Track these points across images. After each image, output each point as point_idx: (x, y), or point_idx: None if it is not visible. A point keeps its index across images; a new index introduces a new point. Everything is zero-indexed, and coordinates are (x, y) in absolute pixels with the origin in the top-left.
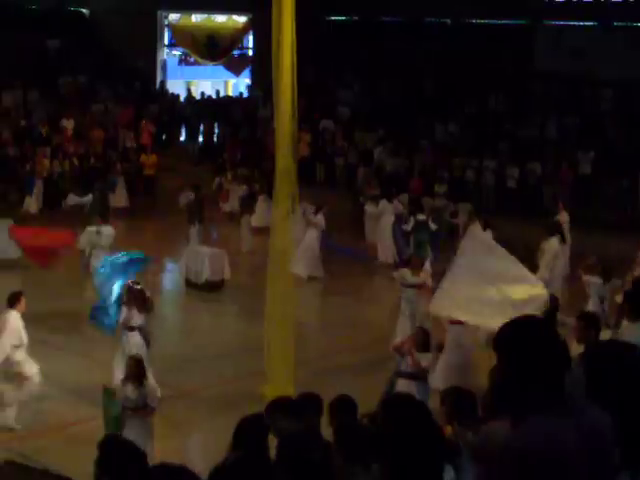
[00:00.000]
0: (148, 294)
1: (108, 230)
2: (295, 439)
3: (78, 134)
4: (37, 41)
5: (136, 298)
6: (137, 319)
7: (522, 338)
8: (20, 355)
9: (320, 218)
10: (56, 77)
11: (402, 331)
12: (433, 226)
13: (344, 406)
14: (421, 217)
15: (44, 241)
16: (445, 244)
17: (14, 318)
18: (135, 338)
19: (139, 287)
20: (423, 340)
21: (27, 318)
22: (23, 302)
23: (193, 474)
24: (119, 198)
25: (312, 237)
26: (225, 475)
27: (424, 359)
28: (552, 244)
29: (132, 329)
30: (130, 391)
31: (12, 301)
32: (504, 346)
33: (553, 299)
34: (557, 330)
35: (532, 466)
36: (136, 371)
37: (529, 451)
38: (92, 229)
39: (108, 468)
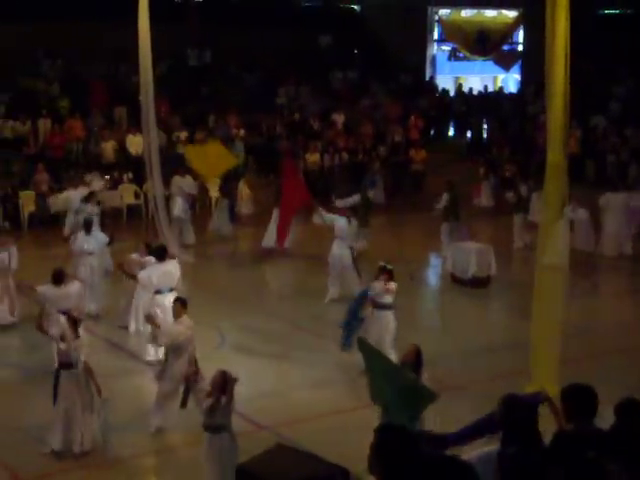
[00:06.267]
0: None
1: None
2: (570, 436)
3: (348, 128)
4: (310, 38)
5: (389, 276)
6: (389, 297)
7: None
8: None
9: None
10: (328, 72)
11: None
12: None
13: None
14: None
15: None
16: None
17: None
18: (389, 316)
19: (390, 267)
20: None
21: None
22: None
23: (468, 466)
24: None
25: None
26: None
27: None
28: None
29: (386, 307)
30: None
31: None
32: None
33: None
34: None
35: None
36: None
37: None
38: None
39: (383, 454)
